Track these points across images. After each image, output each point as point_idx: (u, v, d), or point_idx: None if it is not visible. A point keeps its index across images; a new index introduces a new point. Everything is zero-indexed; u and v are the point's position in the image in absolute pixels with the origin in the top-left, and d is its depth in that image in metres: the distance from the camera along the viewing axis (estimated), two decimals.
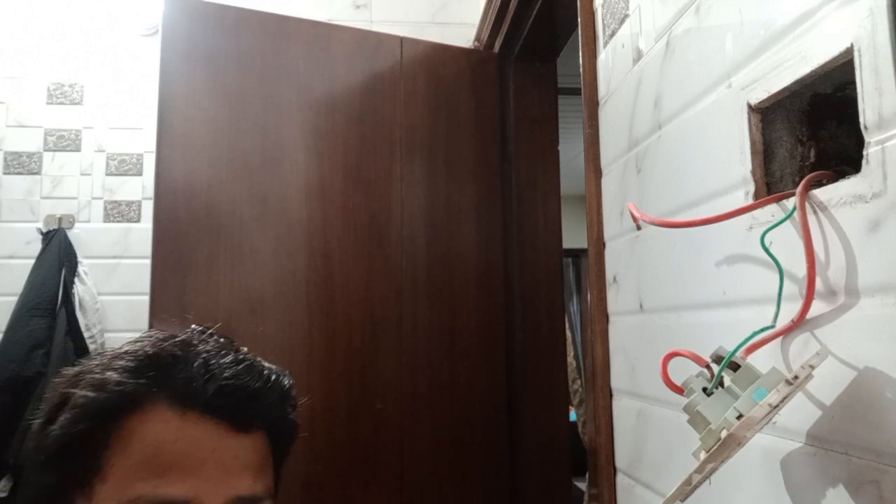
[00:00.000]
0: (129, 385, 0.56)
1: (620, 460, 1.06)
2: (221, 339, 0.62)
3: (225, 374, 0.57)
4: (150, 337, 0.60)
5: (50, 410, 0.57)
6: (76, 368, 0.59)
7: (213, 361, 0.58)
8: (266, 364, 0.62)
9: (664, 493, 0.86)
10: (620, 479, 1.05)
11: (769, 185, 0.67)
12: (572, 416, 3.83)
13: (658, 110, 0.91)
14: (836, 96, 0.62)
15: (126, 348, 0.59)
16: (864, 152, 0.52)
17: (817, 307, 0.57)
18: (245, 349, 0.63)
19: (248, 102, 1.77)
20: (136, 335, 0.62)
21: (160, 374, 0.56)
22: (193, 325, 0.63)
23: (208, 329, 0.63)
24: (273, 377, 0.61)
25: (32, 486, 0.57)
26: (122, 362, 0.57)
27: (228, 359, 0.59)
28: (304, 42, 1.84)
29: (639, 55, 0.97)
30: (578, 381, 3.99)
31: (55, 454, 0.56)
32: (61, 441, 0.55)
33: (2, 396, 1.97)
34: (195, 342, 0.60)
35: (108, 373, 0.56)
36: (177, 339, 0.60)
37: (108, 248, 2.22)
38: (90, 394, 0.56)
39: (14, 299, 2.09)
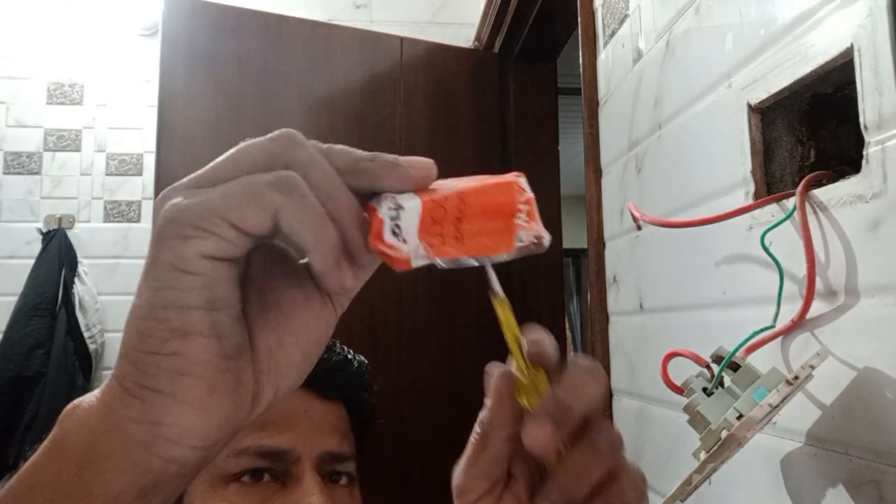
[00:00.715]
0: None
1: None
2: None
3: None
4: None
5: None
6: None
7: None
8: (346, 347, 0.72)
9: (664, 493, 0.86)
10: None
11: (769, 185, 0.67)
12: None
13: (658, 110, 0.91)
14: (836, 96, 0.62)
15: None
16: (864, 152, 0.52)
17: (817, 307, 0.57)
18: None
19: (248, 102, 1.77)
20: None
21: None
22: None
23: None
24: (350, 355, 0.71)
25: None
26: None
27: None
28: (304, 42, 1.84)
29: (639, 55, 0.97)
30: None
31: None
32: None
33: (2, 396, 1.97)
34: None
35: None
36: None
37: (108, 248, 2.22)
38: None
39: (14, 299, 2.09)
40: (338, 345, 0.70)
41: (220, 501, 0.59)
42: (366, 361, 0.73)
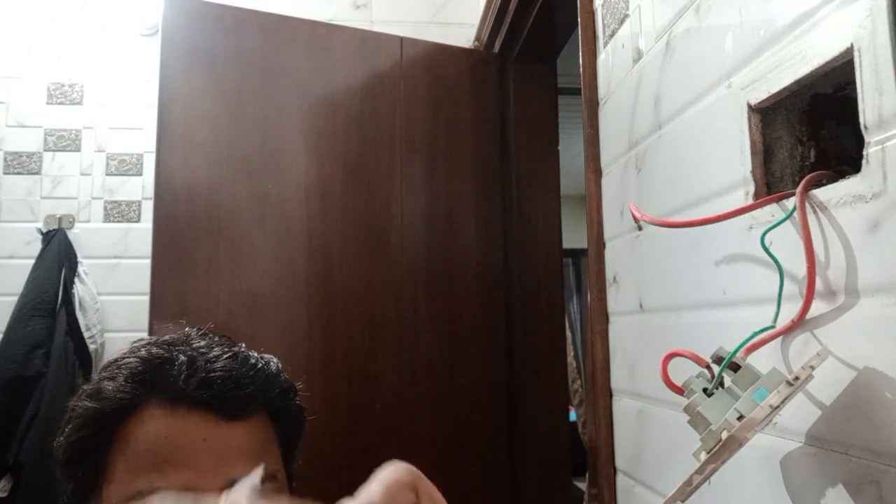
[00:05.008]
0: (121, 392, 0.59)
1: (620, 460, 1.06)
2: (216, 337, 0.64)
3: (207, 367, 0.59)
4: (140, 343, 0.63)
5: (63, 424, 0.62)
6: (86, 385, 0.63)
7: (198, 357, 0.60)
8: (253, 353, 0.64)
9: (664, 493, 0.86)
10: (620, 479, 1.05)
11: (769, 185, 0.67)
12: (572, 416, 3.83)
13: (658, 110, 0.91)
14: (836, 96, 0.62)
15: (117, 357, 0.63)
16: (864, 152, 0.52)
17: (817, 307, 0.57)
18: (242, 345, 0.65)
19: (248, 102, 1.77)
20: (137, 335, 0.63)
21: (149, 377, 0.59)
22: (187, 328, 0.66)
23: (201, 329, 0.66)
24: (259, 364, 0.63)
25: (61, 496, 0.60)
26: (114, 371, 0.61)
27: (214, 353, 0.61)
28: (304, 42, 1.84)
29: (639, 55, 0.97)
30: (578, 381, 3.99)
31: (66, 462, 0.60)
32: (68, 449, 0.60)
33: (2, 396, 1.97)
34: (181, 343, 0.63)
35: (104, 382, 0.60)
36: (163, 341, 0.63)
37: (108, 248, 2.22)
38: (89, 404, 0.60)
39: (14, 299, 2.09)
40: (241, 354, 0.63)
41: None
42: (277, 365, 0.65)
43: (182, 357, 0.60)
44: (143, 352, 0.62)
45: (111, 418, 0.58)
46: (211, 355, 0.61)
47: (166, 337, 0.63)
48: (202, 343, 0.63)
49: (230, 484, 0.54)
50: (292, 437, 0.66)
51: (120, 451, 0.57)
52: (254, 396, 0.61)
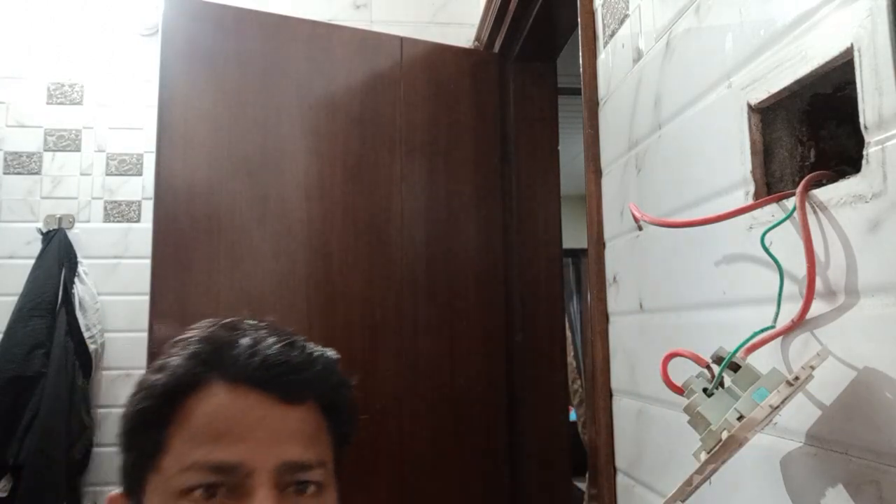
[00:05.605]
0: (186, 367, 0.62)
1: (620, 460, 1.06)
2: (266, 324, 0.68)
3: (269, 351, 0.62)
4: (206, 323, 0.67)
5: (129, 396, 0.64)
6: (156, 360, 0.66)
7: (259, 341, 0.63)
8: (311, 344, 0.67)
9: (664, 493, 0.86)
10: (620, 479, 1.05)
11: (769, 185, 0.67)
12: (572, 416, 3.83)
13: (658, 110, 0.91)
14: (836, 96, 0.62)
15: (185, 335, 0.66)
16: (864, 152, 0.52)
17: (817, 307, 0.57)
18: (290, 330, 0.68)
19: (248, 102, 1.77)
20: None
21: (212, 355, 0.62)
22: (247, 315, 0.69)
23: (262, 319, 0.69)
24: (315, 352, 0.66)
25: (121, 467, 0.63)
26: (180, 348, 0.64)
27: (274, 339, 0.64)
28: (304, 42, 1.84)
29: (639, 55, 0.97)
30: (578, 381, 3.99)
31: (129, 432, 0.63)
32: (132, 419, 0.63)
33: (2, 396, 1.97)
34: (244, 327, 0.66)
35: (171, 359, 0.63)
36: (228, 324, 0.66)
37: (108, 248, 2.22)
38: (155, 377, 0.63)
39: (14, 299, 2.09)
40: (299, 340, 0.66)
41: None
42: (335, 356, 0.68)
43: (245, 340, 0.63)
44: (208, 332, 0.65)
45: (175, 392, 0.61)
46: (271, 340, 0.63)
47: (230, 320, 0.67)
48: (263, 329, 0.66)
49: (281, 463, 0.58)
50: (344, 433, 0.67)
51: (180, 423, 0.59)
52: (308, 383, 0.63)
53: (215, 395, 0.60)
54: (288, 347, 0.63)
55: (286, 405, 0.61)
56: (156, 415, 0.61)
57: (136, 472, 0.61)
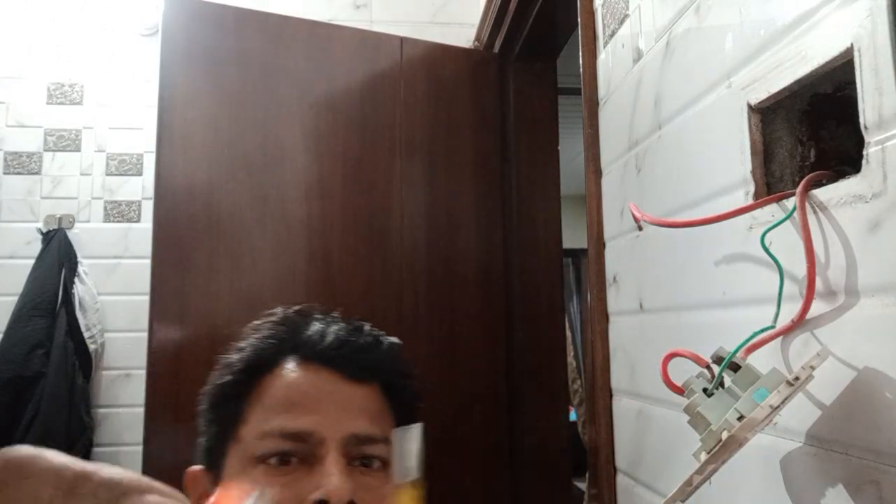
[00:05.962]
0: (264, 347, 0.69)
1: (620, 460, 1.06)
2: (334, 313, 0.74)
3: (338, 333, 0.69)
4: (279, 310, 0.74)
5: (210, 377, 0.70)
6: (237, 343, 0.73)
7: (330, 324, 0.70)
8: (376, 330, 0.72)
9: (664, 493, 0.86)
10: (620, 479, 1.05)
11: (769, 185, 0.67)
12: (572, 416, 3.83)
13: (658, 110, 0.91)
14: (836, 96, 0.62)
15: (263, 320, 0.73)
16: (864, 152, 0.52)
17: (817, 307, 0.57)
18: (357, 317, 0.73)
19: (248, 102, 1.77)
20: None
21: (288, 336, 0.69)
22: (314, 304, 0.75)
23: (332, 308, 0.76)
24: (380, 338, 0.72)
25: (201, 443, 0.68)
26: (259, 331, 0.71)
27: (342, 323, 0.71)
28: (304, 42, 1.84)
29: (639, 55, 0.97)
30: (578, 381, 3.98)
31: (211, 407, 0.69)
32: (214, 395, 0.69)
33: (2, 396, 1.97)
34: (314, 312, 0.72)
35: (251, 339, 0.70)
36: (301, 310, 0.73)
37: (108, 248, 2.22)
38: (236, 356, 0.69)
39: (14, 299, 2.09)
40: (366, 326, 0.71)
41: (247, 481, 0.60)
42: (398, 343, 0.73)
43: (317, 323, 0.70)
44: (284, 316, 0.72)
45: (254, 369, 0.67)
46: (340, 324, 0.70)
47: (303, 306, 0.73)
48: (333, 315, 0.72)
49: (349, 434, 0.63)
50: (404, 421, 0.70)
51: (258, 397, 0.65)
52: (373, 364, 0.68)
53: (290, 371, 0.66)
54: (356, 331, 0.70)
55: (353, 382, 0.66)
56: (236, 389, 0.66)
57: (219, 443, 0.66)
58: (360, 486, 0.61)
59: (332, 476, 0.59)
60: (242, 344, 0.70)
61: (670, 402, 0.82)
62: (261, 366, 0.67)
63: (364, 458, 0.64)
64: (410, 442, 0.61)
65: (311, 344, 0.68)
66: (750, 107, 0.68)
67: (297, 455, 0.61)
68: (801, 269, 0.58)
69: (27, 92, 2.26)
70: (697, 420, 0.57)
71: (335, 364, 0.67)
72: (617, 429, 1.06)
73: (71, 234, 2.18)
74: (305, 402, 0.64)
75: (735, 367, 0.57)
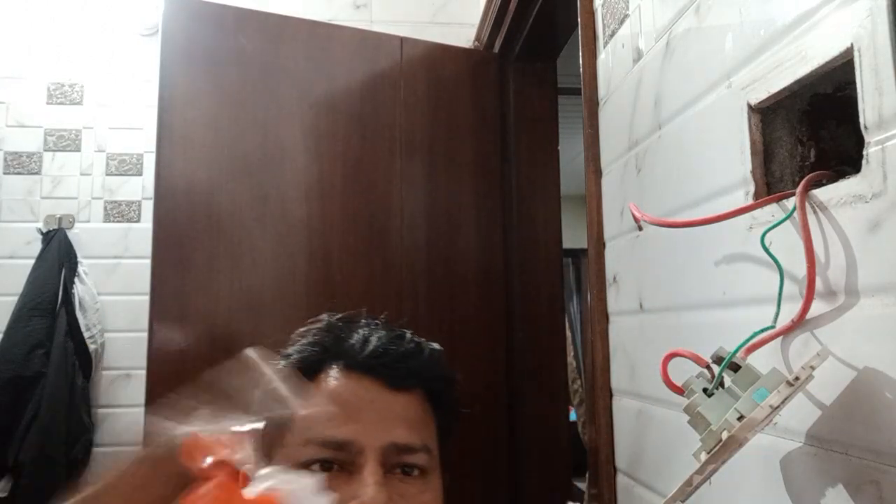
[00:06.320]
0: (308, 354, 0.70)
1: (620, 460, 1.06)
2: (377, 321, 0.76)
3: (379, 342, 0.70)
4: (324, 317, 0.75)
5: None
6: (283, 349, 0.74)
7: (372, 332, 0.72)
8: (418, 338, 0.74)
9: (664, 493, 0.86)
10: (620, 479, 1.05)
11: (769, 185, 0.67)
12: (572, 416, 3.83)
13: (658, 110, 0.91)
14: (836, 96, 0.62)
15: (308, 328, 0.74)
16: (864, 152, 0.52)
17: (817, 307, 0.57)
18: (401, 325, 0.74)
19: (248, 102, 1.77)
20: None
21: (331, 344, 0.71)
22: (361, 311, 0.77)
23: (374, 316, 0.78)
24: (422, 345, 0.72)
25: None
26: (304, 339, 0.72)
27: (384, 332, 0.72)
28: (304, 42, 1.84)
29: (639, 55, 0.97)
30: (578, 381, 3.98)
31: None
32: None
33: (2, 396, 1.97)
34: (356, 320, 0.74)
35: (295, 346, 0.72)
36: (344, 318, 0.74)
37: (108, 248, 2.22)
38: (281, 361, 0.71)
39: (14, 299, 2.09)
40: (408, 334, 0.72)
41: None
42: (440, 349, 0.74)
43: (360, 332, 0.71)
44: (328, 324, 0.73)
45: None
46: (382, 332, 0.72)
47: (347, 314, 0.75)
48: (376, 323, 0.74)
49: (388, 444, 0.63)
50: (447, 426, 0.73)
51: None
52: (415, 372, 0.69)
53: (332, 378, 0.68)
54: (397, 339, 0.71)
55: (394, 391, 0.67)
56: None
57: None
58: (397, 495, 0.62)
59: (368, 487, 0.60)
60: (289, 350, 0.72)
61: (670, 402, 0.82)
62: (304, 372, 0.68)
63: (404, 465, 0.64)
64: None
65: (353, 352, 0.69)
66: (750, 107, 0.68)
67: (337, 462, 0.62)
68: (801, 269, 0.58)
69: (27, 92, 2.26)
70: (697, 420, 0.57)
71: (376, 372, 0.67)
72: (617, 429, 1.06)
73: (71, 234, 2.18)
74: (346, 410, 0.64)
75: (735, 367, 0.57)
